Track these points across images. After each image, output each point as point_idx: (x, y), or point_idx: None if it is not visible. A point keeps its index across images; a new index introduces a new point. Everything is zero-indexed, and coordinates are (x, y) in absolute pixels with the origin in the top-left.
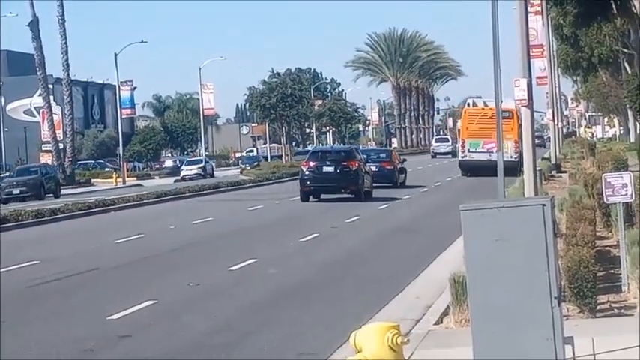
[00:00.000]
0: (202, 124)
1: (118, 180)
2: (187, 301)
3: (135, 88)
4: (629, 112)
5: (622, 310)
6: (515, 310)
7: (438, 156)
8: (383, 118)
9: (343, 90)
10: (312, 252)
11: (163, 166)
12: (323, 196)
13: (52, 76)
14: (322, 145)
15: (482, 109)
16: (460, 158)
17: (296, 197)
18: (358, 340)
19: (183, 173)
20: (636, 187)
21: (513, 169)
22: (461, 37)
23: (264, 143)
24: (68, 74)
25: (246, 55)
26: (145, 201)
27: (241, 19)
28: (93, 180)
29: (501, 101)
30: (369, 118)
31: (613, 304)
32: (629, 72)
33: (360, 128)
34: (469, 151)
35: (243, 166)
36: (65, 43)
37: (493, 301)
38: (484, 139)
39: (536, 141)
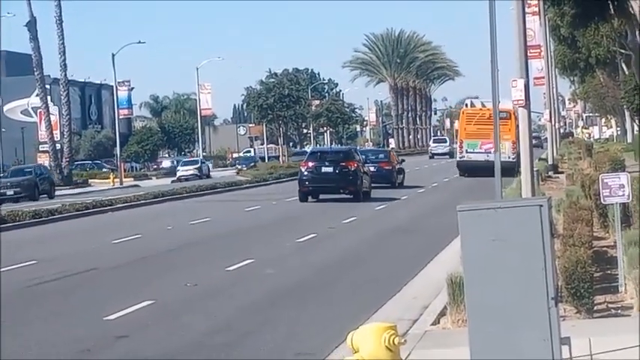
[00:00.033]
0: (200, 125)
1: (115, 180)
2: (185, 301)
3: (132, 88)
4: (627, 113)
5: (619, 311)
6: (512, 310)
7: (435, 156)
8: (380, 119)
9: (341, 90)
10: (309, 252)
11: (161, 166)
12: (321, 197)
13: (49, 76)
14: (319, 145)
15: (480, 109)
16: (458, 159)
17: (293, 198)
18: (355, 341)
19: (179, 174)
20: (633, 188)
21: (511, 170)
22: (458, 37)
23: (262, 144)
24: (65, 74)
25: (244, 56)
26: (142, 201)
27: (239, 20)
28: (90, 180)
29: (499, 102)
30: (366, 118)
31: (610, 305)
32: (627, 73)
33: (358, 129)
34: (467, 152)
35: (239, 167)
36: (63, 43)
37: (490, 301)
38: (482, 139)
39: (534, 141)
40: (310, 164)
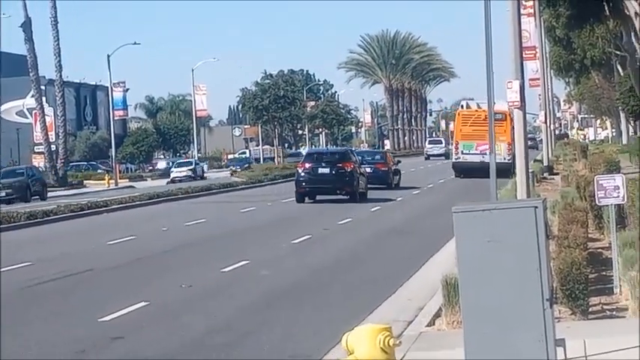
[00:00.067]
0: (195, 126)
1: (111, 181)
2: (180, 302)
3: (127, 89)
4: (622, 114)
5: (614, 313)
6: (507, 311)
7: (431, 158)
8: (375, 120)
9: (336, 92)
10: (304, 254)
11: (156, 167)
12: (318, 197)
13: (44, 77)
14: (314, 146)
15: (476, 111)
16: (454, 160)
17: (288, 199)
18: (350, 342)
19: (173, 175)
20: (628, 189)
21: (506, 171)
22: (454, 39)
23: (257, 145)
24: (61, 76)
25: (239, 57)
26: (137, 202)
27: (234, 21)
28: (85, 181)
29: (494, 103)
30: (361, 119)
31: (605, 307)
32: (622, 74)
33: (353, 130)
34: (462, 153)
35: (233, 169)
36: (58, 44)
37: (485, 302)
38: (477, 140)
39: (529, 143)
40: (307, 165)
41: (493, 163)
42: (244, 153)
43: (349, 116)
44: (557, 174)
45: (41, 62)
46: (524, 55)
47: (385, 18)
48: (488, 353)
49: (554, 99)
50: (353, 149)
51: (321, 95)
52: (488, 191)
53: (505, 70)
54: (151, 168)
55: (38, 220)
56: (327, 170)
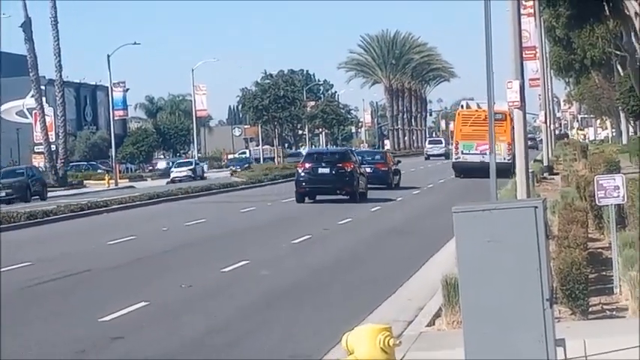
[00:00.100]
0: (195, 126)
1: (111, 181)
2: (180, 302)
3: (127, 89)
4: (622, 114)
5: (614, 313)
6: (507, 311)
7: (431, 158)
8: (375, 120)
9: (336, 92)
10: (304, 254)
11: (156, 167)
12: (318, 197)
13: (44, 77)
14: (314, 146)
15: (476, 111)
16: (454, 160)
17: (288, 199)
18: (350, 342)
19: (172, 175)
20: (628, 189)
21: (506, 171)
22: (454, 39)
23: (257, 145)
24: (61, 76)
25: (239, 57)
26: (137, 202)
27: (234, 21)
28: (85, 181)
29: (494, 103)
30: (361, 119)
31: (605, 307)
32: (622, 74)
33: (353, 130)
34: (462, 153)
35: (233, 169)
36: (58, 44)
37: (485, 302)
38: (477, 140)
39: (529, 143)
40: (307, 165)
41: (493, 163)
42: (244, 153)
43: (349, 116)
44: (557, 174)
45: (41, 62)
46: (524, 55)
47: (385, 18)
48: (488, 353)
49: (554, 99)
50: (353, 149)
51: (321, 95)
52: (488, 191)
53: (505, 70)
54: (151, 168)
55: (38, 220)
56: (327, 170)
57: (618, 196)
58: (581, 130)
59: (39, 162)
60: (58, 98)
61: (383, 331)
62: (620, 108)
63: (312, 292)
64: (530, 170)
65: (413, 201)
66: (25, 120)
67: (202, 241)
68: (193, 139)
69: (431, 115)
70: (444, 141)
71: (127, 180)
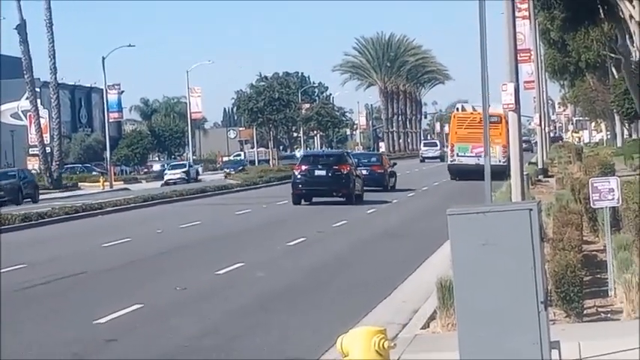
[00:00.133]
0: (190, 128)
1: (105, 184)
2: (174, 305)
3: (122, 91)
4: (616, 117)
5: (609, 315)
6: (502, 314)
7: (426, 160)
8: (370, 122)
9: (331, 94)
10: (299, 256)
11: (152, 169)
12: (314, 199)
13: (39, 79)
14: (309, 149)
15: (471, 113)
16: (449, 162)
17: (283, 201)
18: (345, 345)
19: (166, 177)
20: (623, 192)
21: (502, 173)
22: (449, 41)
23: (252, 147)
24: (55, 78)
25: (233, 60)
26: (132, 205)
27: (228, 24)
28: (80, 184)
29: (489, 105)
30: (356, 122)
31: (600, 309)
32: (617, 77)
33: (348, 132)
34: (458, 155)
35: (227, 171)
36: (53, 46)
37: (480, 305)
38: (473, 143)
39: (524, 145)
40: (303, 167)
41: (488, 166)
42: (239, 155)
43: (344, 119)
44: (551, 176)
45: (36, 64)
46: (519, 58)
47: (380, 21)
48: (482, 356)
49: (549, 102)
50: (349, 152)
51: (316, 98)
52: (482, 194)
53: (500, 73)
54: (146, 170)
55: (33, 222)
56: (323, 172)
57: (613, 199)
58: (575, 132)
59: (34, 164)
60: (52, 100)
61: (378, 333)
62: (614, 111)
63: (307, 295)
64: (524, 173)
65: (408, 203)
66: (19, 122)
67: (197, 244)
68: (188, 141)
69: (426, 117)
70: (439, 143)
71: (122, 182)
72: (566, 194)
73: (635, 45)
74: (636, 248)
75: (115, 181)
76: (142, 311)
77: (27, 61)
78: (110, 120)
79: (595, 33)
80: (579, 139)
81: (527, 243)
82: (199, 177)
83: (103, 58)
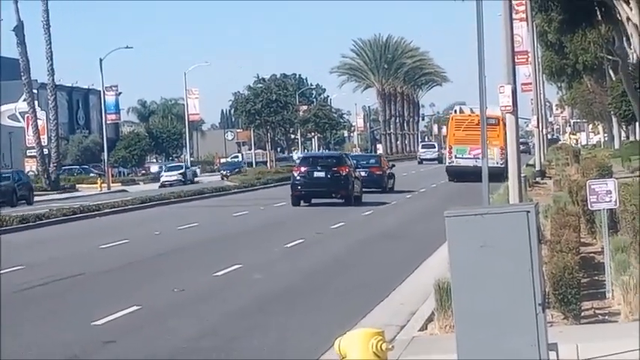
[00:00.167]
0: (187, 130)
1: (103, 185)
2: (172, 306)
3: (120, 93)
4: (614, 119)
5: (606, 317)
6: (500, 316)
7: (424, 162)
8: (368, 124)
9: (328, 96)
10: (297, 258)
11: (149, 171)
12: (313, 201)
13: (36, 81)
14: (307, 151)
15: (469, 115)
16: (447, 164)
17: (281, 203)
18: (343, 346)
19: (162, 179)
20: (620, 194)
21: (499, 175)
22: (446, 43)
23: (249, 149)
24: (53, 79)
25: (232, 62)
26: (129, 206)
27: (227, 25)
28: (78, 185)
29: (486, 108)
30: (354, 124)
31: (597, 311)
32: (614, 79)
33: (345, 134)
34: (456, 157)
35: (223, 173)
36: (50, 48)
37: (478, 307)
38: (471, 145)
39: (521, 147)
40: (302, 169)
41: (485, 168)
42: (237, 157)
43: (342, 120)
44: (549, 178)
45: (33, 65)
46: (516, 60)
47: (377, 22)
48: (480, 357)
49: (547, 104)
50: (348, 153)
51: (314, 99)
52: (480, 195)
53: (497, 75)
54: (144, 172)
55: (30, 223)
56: (322, 174)
57: (610, 201)
58: (573, 134)
59: (31, 166)
60: (50, 102)
61: (375, 335)
62: (612, 113)
63: (305, 296)
64: (522, 175)
65: (406, 205)
66: (17, 124)
67: (195, 245)
68: (186, 143)
69: (423, 119)
70: (437, 145)
71: (120, 184)
72: (564, 196)
73: (632, 47)
74: (634, 250)
75: (112, 182)
76: (140, 313)
77: (24, 63)
78: (108, 121)
79: (592, 35)
80: (577, 141)
81: (524, 245)
82: (196, 179)
83: (101, 60)
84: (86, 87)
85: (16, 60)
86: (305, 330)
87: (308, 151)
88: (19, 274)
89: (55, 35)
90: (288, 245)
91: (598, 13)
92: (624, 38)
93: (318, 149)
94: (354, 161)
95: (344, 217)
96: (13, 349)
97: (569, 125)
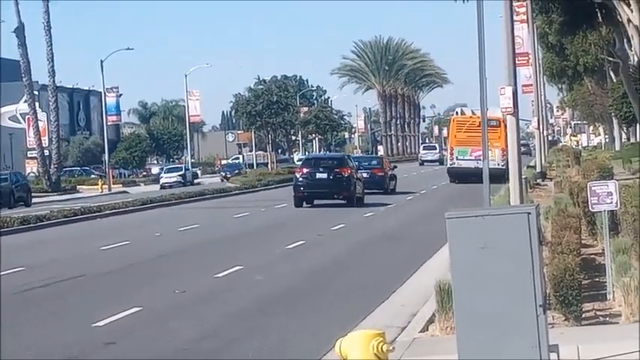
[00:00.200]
0: (188, 131)
1: (104, 187)
2: (173, 308)
3: (121, 94)
4: (615, 121)
5: (607, 319)
6: (501, 317)
7: (425, 163)
8: (369, 126)
9: (329, 97)
10: (297, 259)
11: (150, 172)
12: (315, 202)
13: (37, 82)
14: (308, 152)
15: (471, 117)
16: (448, 165)
17: (282, 204)
18: (343, 348)
19: (162, 181)
20: (621, 196)
21: (500, 177)
22: (447, 45)
23: (250, 150)
24: (54, 81)
25: (233, 63)
26: (130, 208)
27: (228, 27)
28: (78, 187)
29: (487, 109)
30: (354, 125)
31: (598, 313)
32: (615, 80)
33: (346, 136)
34: (457, 159)
35: (223, 174)
36: (51, 49)
37: (478, 308)
38: (472, 146)
39: (522, 149)
40: (305, 170)
41: (486, 169)
42: (237, 158)
43: (342, 122)
44: (550, 180)
45: (34, 67)
46: (517, 62)
47: (378, 24)
48: (481, 359)
49: (547, 105)
50: (350, 155)
51: (315, 101)
52: (481, 197)
53: (498, 77)
54: (144, 173)
55: (31, 225)
56: (324, 175)
57: (611, 203)
58: (574, 136)
59: (32, 167)
60: (51, 103)
61: (376, 336)
62: (612, 114)
63: (306, 298)
64: (523, 176)
65: (407, 206)
66: (18, 125)
67: (196, 247)
68: (187, 144)
69: (424, 121)
70: (438, 147)
71: (121, 185)
72: (565, 198)
73: (633, 49)
74: (635, 252)
75: (113, 184)
76: (140, 314)
77: (25, 64)
78: (108, 123)
79: (593, 37)
80: (577, 142)
81: (525, 246)
82: (197, 180)
83: (102, 61)
84: (87, 88)
85: (16, 61)
86: (306, 331)
87: (309, 152)
88: (20, 276)
89: (56, 37)
90: (289, 247)
91: (599, 14)
92: (625, 40)
93: (319, 151)
94: (356, 162)
95: (345, 219)
96: (12, 350)
97: (570, 127)
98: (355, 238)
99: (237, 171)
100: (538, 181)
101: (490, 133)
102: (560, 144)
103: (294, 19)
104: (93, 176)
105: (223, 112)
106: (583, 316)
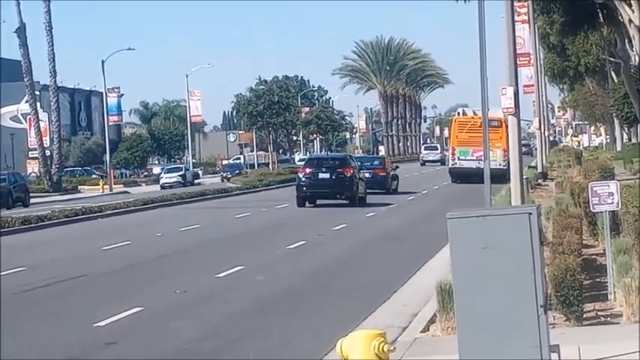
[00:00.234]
0: (189, 132)
1: (105, 187)
2: (174, 308)
3: (122, 95)
4: (616, 121)
5: (608, 319)
6: (502, 318)
7: (427, 163)
8: (370, 126)
9: (330, 98)
10: (298, 259)
11: (152, 172)
12: (318, 202)
13: (39, 82)
14: (309, 152)
15: (472, 117)
16: (450, 165)
17: (283, 205)
18: (344, 348)
19: (162, 181)
20: (622, 196)
21: (502, 177)
22: (448, 45)
23: (252, 151)
24: (55, 81)
25: (234, 63)
26: (131, 208)
27: (229, 27)
28: (80, 187)
29: (488, 109)
30: (356, 125)
31: (599, 313)
32: (616, 81)
33: (347, 136)
34: (459, 159)
35: (224, 174)
36: (52, 50)
37: (479, 309)
38: (473, 147)
39: (523, 149)
40: (307, 170)
41: (487, 170)
42: (239, 159)
43: (344, 122)
44: (551, 180)
45: (36, 67)
46: (518, 62)
47: (379, 24)
48: (482, 359)
49: (549, 105)
50: (352, 155)
51: (316, 101)
52: (482, 197)
53: (499, 77)
54: (146, 173)
55: (33, 225)
56: (327, 175)
57: (612, 203)
58: (575, 136)
59: (33, 167)
60: (52, 103)
61: (377, 336)
62: (614, 115)
63: (307, 298)
64: (524, 177)
65: (408, 206)
66: (19, 125)
67: (197, 247)
68: (188, 144)
69: (425, 121)
70: (439, 147)
71: (122, 185)
72: (566, 198)
73: (634, 49)
74: (636, 252)
75: (114, 184)
76: (142, 314)
77: (26, 65)
78: (110, 123)
79: (594, 37)
80: (579, 143)
81: (526, 247)
82: (197, 180)
83: (103, 62)
84: (88, 89)
85: (18, 62)
86: (307, 331)
87: (310, 153)
88: (21, 276)
89: (57, 37)
90: (291, 247)
91: (600, 15)
92: (626, 40)
93: (320, 151)
94: (359, 163)
95: (347, 219)
96: (13, 350)
97: (571, 127)
98: (357, 238)
99: (237, 171)
100: (539, 181)
101: (491, 133)
102: (561, 144)
103: (295, 19)
104: (94, 176)
105: (224, 113)
106: (584, 316)
